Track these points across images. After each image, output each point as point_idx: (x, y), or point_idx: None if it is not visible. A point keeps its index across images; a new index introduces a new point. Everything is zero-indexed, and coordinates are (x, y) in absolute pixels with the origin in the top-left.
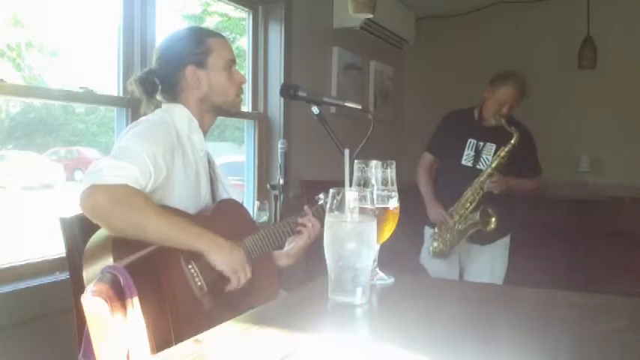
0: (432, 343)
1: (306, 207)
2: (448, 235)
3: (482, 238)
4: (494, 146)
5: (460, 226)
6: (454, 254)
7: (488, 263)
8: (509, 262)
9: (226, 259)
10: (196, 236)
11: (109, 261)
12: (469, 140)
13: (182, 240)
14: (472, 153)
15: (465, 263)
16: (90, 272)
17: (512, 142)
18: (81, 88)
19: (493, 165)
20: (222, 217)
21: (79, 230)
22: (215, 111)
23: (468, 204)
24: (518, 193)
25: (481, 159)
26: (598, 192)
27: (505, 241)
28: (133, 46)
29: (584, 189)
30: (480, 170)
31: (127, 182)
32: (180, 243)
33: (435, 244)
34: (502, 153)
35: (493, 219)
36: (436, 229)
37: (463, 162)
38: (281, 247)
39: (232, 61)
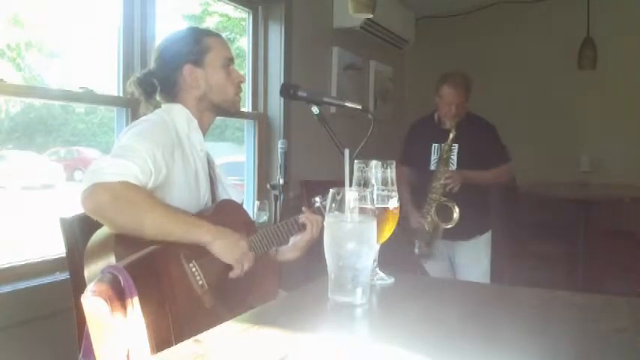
0: (432, 343)
1: (304, 208)
2: (425, 238)
3: (464, 234)
4: (456, 146)
5: (428, 228)
6: (439, 253)
7: (474, 258)
8: (492, 256)
9: (230, 249)
10: (199, 229)
11: (111, 259)
12: (433, 145)
13: (184, 233)
14: (437, 157)
15: (453, 260)
16: (91, 271)
17: (449, 139)
18: (81, 88)
19: (439, 165)
20: (221, 217)
21: (79, 230)
22: (214, 110)
23: (433, 203)
24: (491, 193)
25: (449, 161)
26: (598, 192)
27: (486, 237)
28: (133, 46)
29: (584, 189)
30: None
31: (128, 180)
32: (183, 236)
33: (417, 247)
34: (443, 150)
35: (454, 213)
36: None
37: (432, 167)
38: (282, 245)
39: (230, 60)
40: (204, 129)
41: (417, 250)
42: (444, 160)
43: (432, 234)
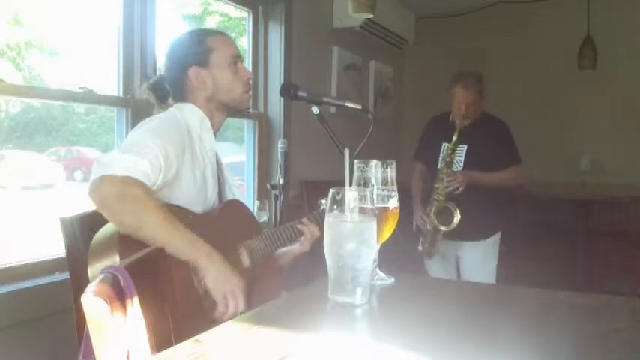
0: (432, 343)
1: (304, 219)
2: (428, 236)
3: (471, 235)
4: (464, 147)
5: (430, 227)
6: (445, 253)
7: (480, 259)
8: (499, 257)
9: (219, 282)
10: (196, 251)
11: (115, 257)
12: (442, 144)
13: (180, 249)
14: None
15: (460, 261)
16: (95, 268)
17: (453, 140)
18: (81, 88)
19: (443, 166)
20: (227, 217)
21: (79, 230)
22: (224, 110)
23: (435, 204)
24: (502, 192)
25: (454, 162)
26: (598, 192)
27: (495, 238)
28: (133, 46)
29: (584, 189)
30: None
31: (136, 176)
32: (178, 252)
33: (420, 244)
34: (446, 152)
35: (455, 217)
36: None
37: (439, 167)
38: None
39: (236, 57)
40: (215, 129)
41: (420, 247)
42: (447, 162)
43: (434, 234)
